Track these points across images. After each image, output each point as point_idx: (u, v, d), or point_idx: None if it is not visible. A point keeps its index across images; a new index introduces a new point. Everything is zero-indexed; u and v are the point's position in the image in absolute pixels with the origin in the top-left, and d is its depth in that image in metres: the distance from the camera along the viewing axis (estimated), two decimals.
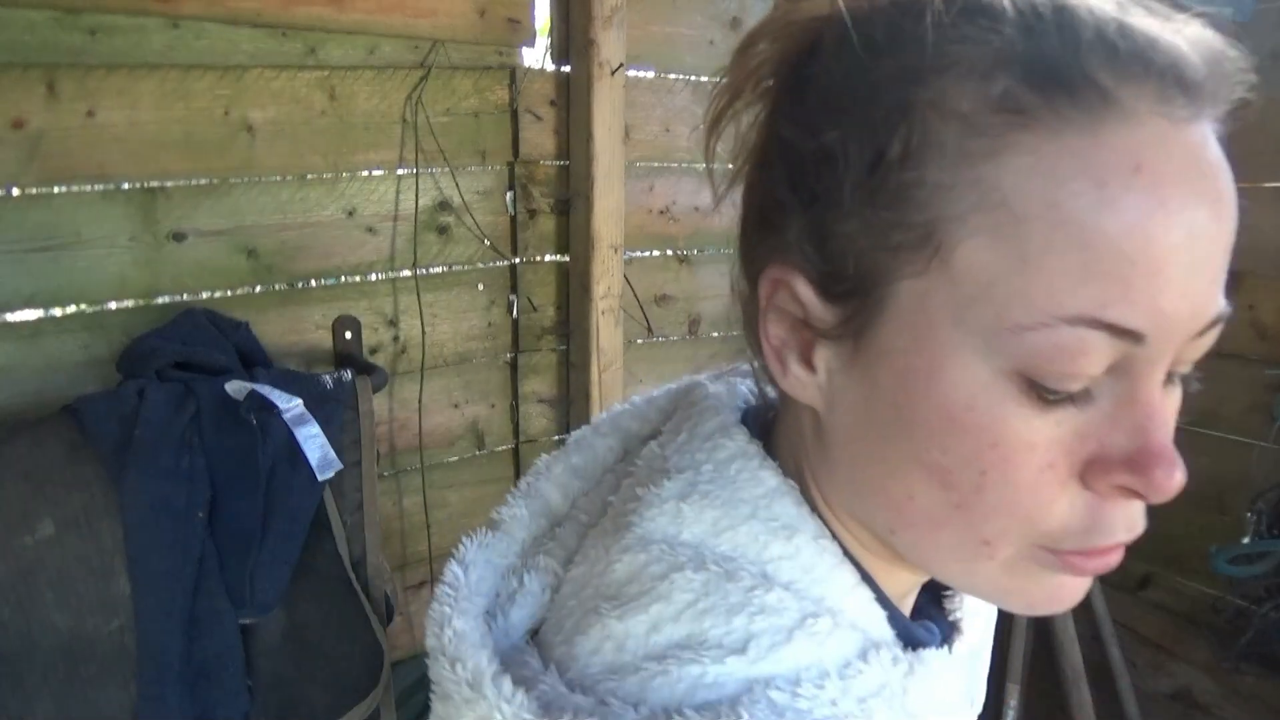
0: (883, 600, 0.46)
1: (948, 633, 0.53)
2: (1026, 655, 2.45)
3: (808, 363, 0.44)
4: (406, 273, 1.78)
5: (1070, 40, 0.36)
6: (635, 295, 2.01)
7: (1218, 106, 0.40)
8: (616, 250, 1.89)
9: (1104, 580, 2.41)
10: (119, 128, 1.47)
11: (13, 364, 1.43)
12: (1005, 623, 2.58)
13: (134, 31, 1.47)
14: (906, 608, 0.51)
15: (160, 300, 1.54)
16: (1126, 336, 0.36)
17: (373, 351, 1.76)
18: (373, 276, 1.75)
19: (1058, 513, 0.39)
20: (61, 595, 1.26)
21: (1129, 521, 0.40)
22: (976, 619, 0.56)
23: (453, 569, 0.50)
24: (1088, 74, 0.35)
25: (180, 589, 1.31)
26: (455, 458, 1.89)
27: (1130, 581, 2.45)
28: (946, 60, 0.37)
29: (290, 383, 1.43)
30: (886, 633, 0.45)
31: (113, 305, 1.51)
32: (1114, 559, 0.40)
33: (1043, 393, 0.37)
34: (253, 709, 1.39)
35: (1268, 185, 2.10)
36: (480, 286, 1.87)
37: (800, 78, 0.43)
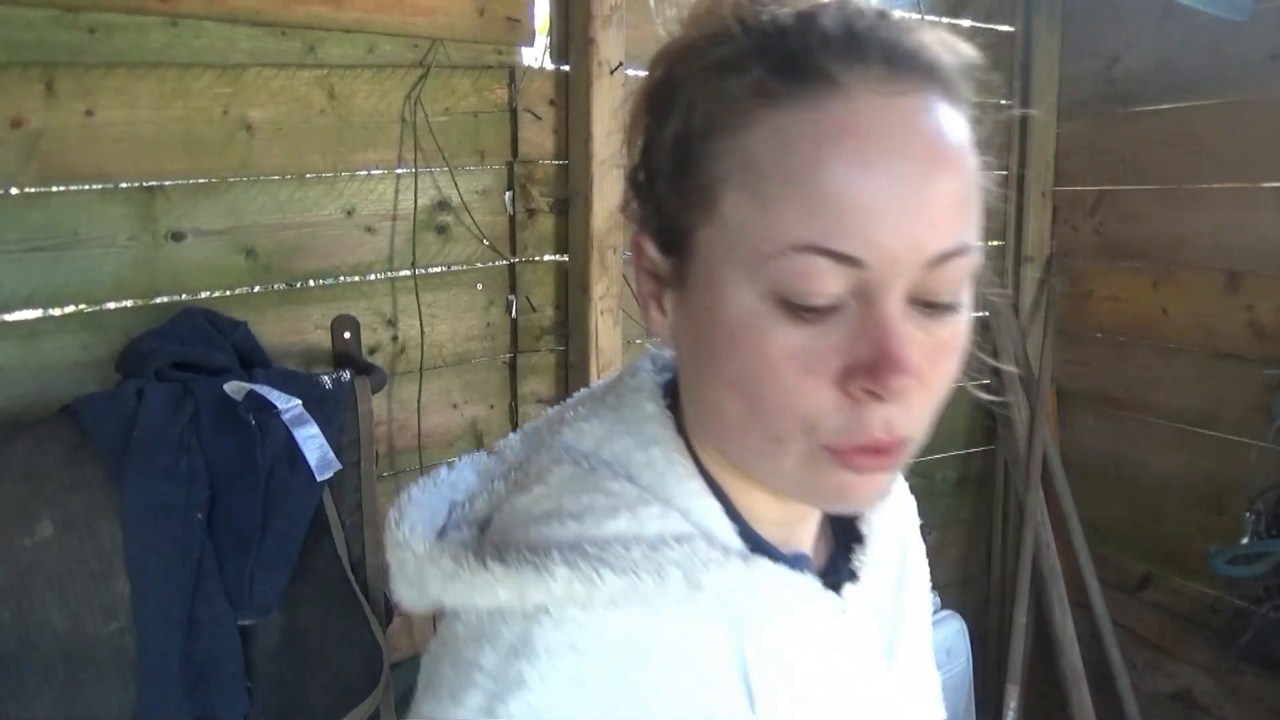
0: (734, 515, 0.55)
1: (842, 578, 0.62)
2: (1026, 655, 2.45)
3: (661, 308, 0.56)
4: (405, 272, 1.78)
5: (806, 40, 0.48)
6: (634, 295, 2.00)
7: (939, 87, 0.49)
8: (615, 250, 1.89)
9: (1104, 580, 2.41)
10: (118, 127, 1.47)
11: (12, 364, 1.43)
12: (1005, 624, 2.58)
13: (133, 30, 1.46)
14: (798, 539, 0.60)
15: (159, 300, 1.54)
16: (847, 261, 0.46)
17: (371, 351, 1.75)
18: (371, 276, 1.74)
19: (823, 411, 0.48)
20: (61, 596, 1.26)
21: (885, 423, 0.48)
22: (881, 572, 0.64)
23: (442, 467, 0.63)
24: (817, 64, 0.47)
25: (179, 590, 1.31)
26: (454, 458, 1.89)
27: (1130, 581, 2.45)
28: (715, 59, 0.49)
29: (289, 383, 1.42)
30: (734, 541, 0.54)
31: (111, 305, 1.51)
32: (884, 461, 0.49)
33: (795, 309, 0.47)
34: (252, 710, 1.39)
35: (1267, 185, 2.10)
36: (479, 286, 1.87)
37: (645, 89, 0.55)
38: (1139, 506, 2.41)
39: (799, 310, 0.47)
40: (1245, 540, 2.08)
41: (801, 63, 0.47)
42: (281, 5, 1.57)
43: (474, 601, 0.51)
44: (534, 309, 1.93)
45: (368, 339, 1.74)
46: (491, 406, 1.92)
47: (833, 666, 0.59)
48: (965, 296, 0.50)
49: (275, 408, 1.35)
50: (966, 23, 2.45)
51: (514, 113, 1.85)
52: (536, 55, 1.87)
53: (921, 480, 2.55)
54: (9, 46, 1.38)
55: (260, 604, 1.37)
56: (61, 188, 1.45)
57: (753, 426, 0.50)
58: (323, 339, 1.69)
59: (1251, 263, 2.14)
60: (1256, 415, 2.13)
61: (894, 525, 0.68)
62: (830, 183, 0.45)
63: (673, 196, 0.52)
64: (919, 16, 2.32)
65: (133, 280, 1.51)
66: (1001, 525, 2.68)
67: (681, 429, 0.57)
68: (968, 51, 0.53)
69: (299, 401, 1.38)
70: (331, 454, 1.40)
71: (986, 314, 2.59)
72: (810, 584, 0.57)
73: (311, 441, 1.37)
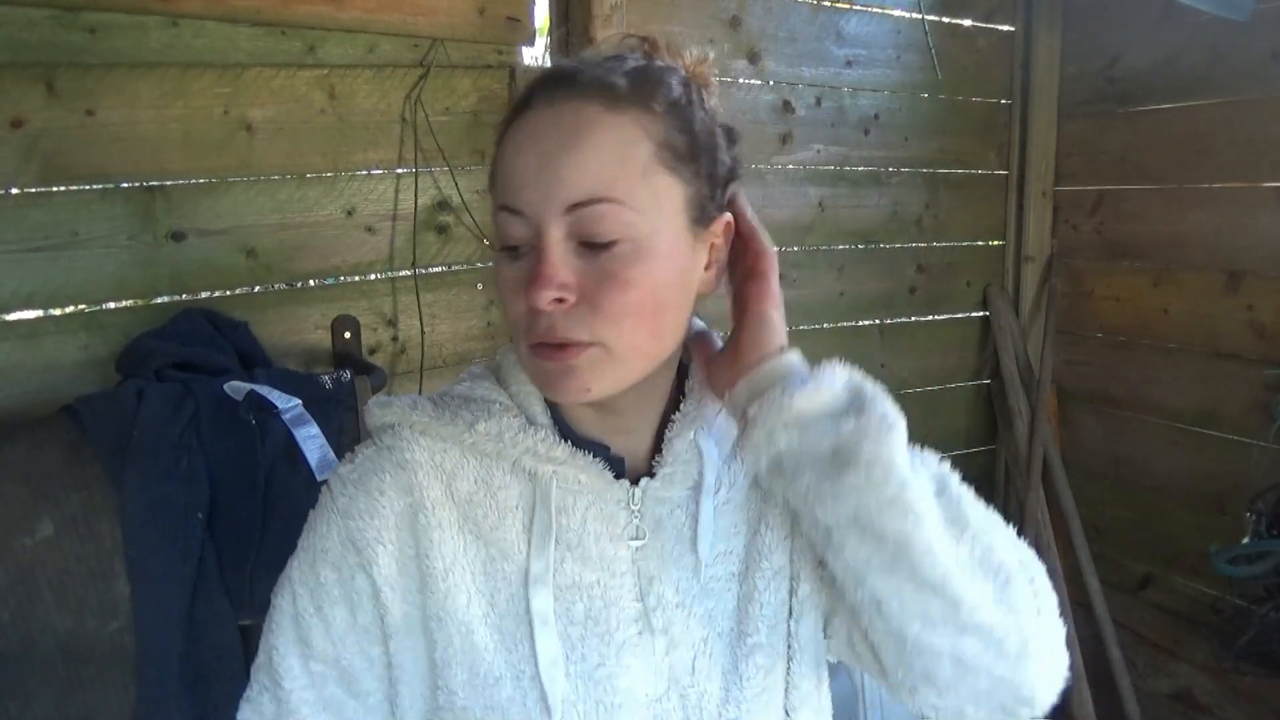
0: (555, 410, 0.75)
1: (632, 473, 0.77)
2: None
3: None
4: (406, 272, 1.78)
5: (531, 81, 0.71)
6: None
7: (591, 96, 0.67)
8: None
9: (1104, 580, 2.41)
10: (118, 127, 1.47)
11: (12, 364, 1.43)
12: None
13: (133, 30, 1.46)
14: (618, 445, 0.76)
15: (159, 300, 1.54)
16: (515, 212, 0.67)
17: (372, 351, 1.75)
18: (372, 276, 1.74)
19: (521, 319, 0.68)
20: (61, 596, 1.26)
21: (548, 326, 0.66)
22: (672, 485, 0.76)
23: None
24: (529, 94, 0.70)
25: (179, 590, 1.31)
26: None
27: (1130, 581, 2.45)
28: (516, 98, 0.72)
29: (289, 383, 1.42)
30: (544, 420, 0.75)
31: (111, 305, 1.51)
32: (565, 356, 0.67)
33: (507, 249, 0.69)
34: None
35: (1267, 185, 2.10)
36: (479, 286, 1.87)
37: None
38: (1139, 506, 2.41)
39: (508, 250, 0.69)
40: (1246, 540, 2.08)
41: (524, 95, 0.70)
42: (282, 5, 1.57)
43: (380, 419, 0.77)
44: None
45: (368, 339, 1.74)
46: None
47: (611, 545, 0.74)
48: (625, 235, 0.66)
49: (275, 408, 1.35)
50: (967, 23, 2.45)
51: None
52: (537, 55, 1.87)
53: None
54: (9, 46, 1.37)
55: (260, 604, 1.36)
56: (61, 188, 1.45)
57: (513, 336, 0.71)
58: (323, 339, 1.69)
59: (1252, 263, 2.14)
60: (1257, 415, 2.13)
61: (747, 493, 0.79)
62: (507, 164, 0.68)
63: None
64: (919, 16, 2.32)
65: (133, 280, 1.51)
66: None
67: None
68: (637, 69, 0.70)
69: (299, 401, 1.38)
70: (332, 454, 1.39)
71: (987, 313, 2.59)
72: (594, 464, 0.73)
73: (312, 441, 1.37)
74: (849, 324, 2.38)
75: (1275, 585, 2.04)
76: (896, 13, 2.32)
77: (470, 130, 1.81)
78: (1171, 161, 2.29)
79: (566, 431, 0.75)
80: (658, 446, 0.77)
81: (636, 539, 0.75)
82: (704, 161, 0.71)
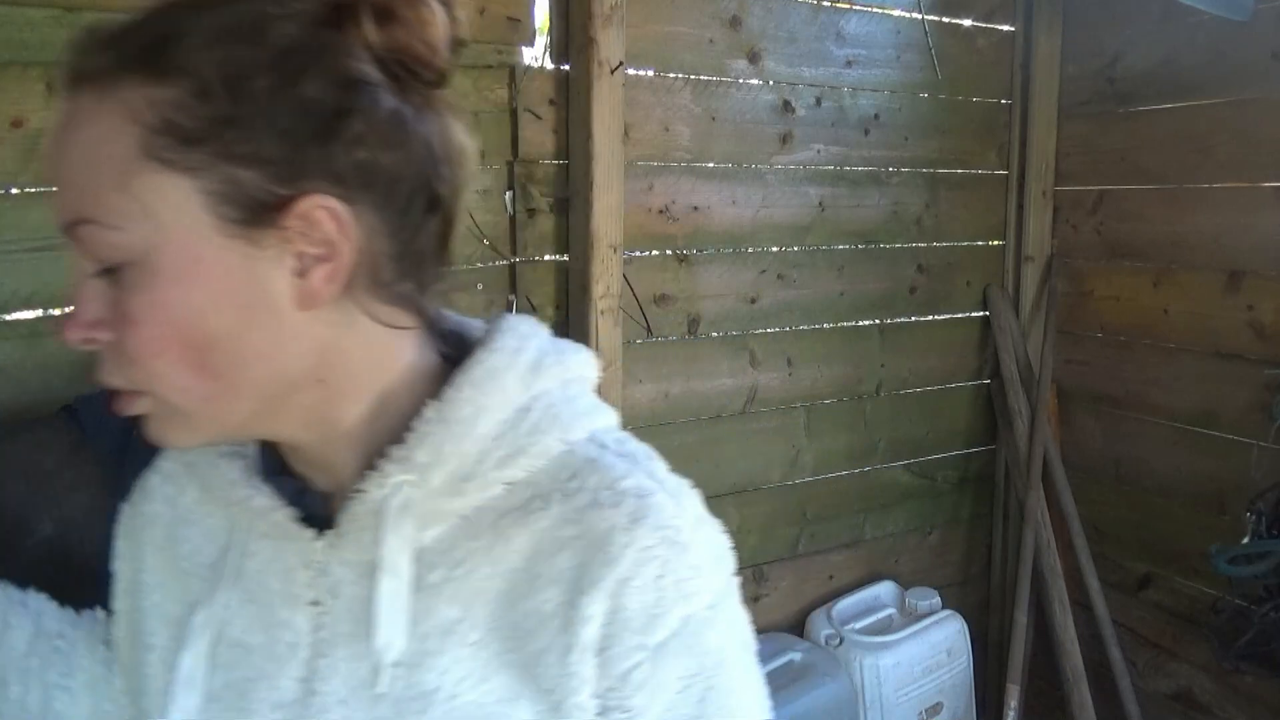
0: (269, 447, 0.65)
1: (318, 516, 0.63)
2: (1026, 655, 2.45)
3: None
4: None
5: None
6: (634, 295, 2.01)
7: (81, 78, 0.53)
8: (616, 250, 1.89)
9: (1104, 580, 2.41)
10: None
11: (12, 364, 1.43)
12: (1005, 624, 2.58)
13: None
14: (322, 480, 0.64)
15: None
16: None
17: None
18: None
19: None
20: (61, 596, 1.26)
21: (101, 371, 0.57)
22: (352, 547, 0.61)
23: None
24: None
25: None
26: None
27: (1130, 581, 2.45)
28: None
29: None
30: (251, 449, 0.66)
31: None
32: (124, 403, 0.57)
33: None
34: None
35: (1268, 185, 2.10)
36: (479, 286, 1.87)
37: None
38: (1139, 506, 2.41)
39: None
40: (1246, 540, 2.08)
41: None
42: None
43: None
44: (534, 309, 1.93)
45: None
46: None
47: (285, 607, 0.62)
48: (121, 260, 0.53)
49: None
50: (967, 22, 2.45)
51: (514, 112, 1.85)
52: (536, 55, 1.87)
53: (922, 480, 2.55)
54: (9, 46, 1.37)
55: None
56: None
57: None
58: None
59: (1252, 262, 2.14)
60: (1257, 415, 2.13)
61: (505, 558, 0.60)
62: None
63: None
64: (919, 16, 2.32)
65: None
66: (1001, 525, 2.68)
67: None
68: (166, 19, 0.53)
69: None
70: None
71: (987, 313, 2.59)
72: (274, 509, 0.62)
73: None
74: (849, 324, 2.38)
75: (1275, 585, 2.04)
76: (896, 13, 2.32)
77: (470, 130, 1.80)
78: (1171, 161, 2.29)
79: (271, 461, 0.65)
80: None
81: (317, 604, 0.61)
82: (257, 130, 0.52)
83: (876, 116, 2.33)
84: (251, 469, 0.64)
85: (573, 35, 1.85)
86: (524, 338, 0.63)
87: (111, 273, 0.53)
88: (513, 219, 1.89)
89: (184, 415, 0.57)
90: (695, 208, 2.09)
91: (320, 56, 0.53)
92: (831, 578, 2.45)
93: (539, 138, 1.88)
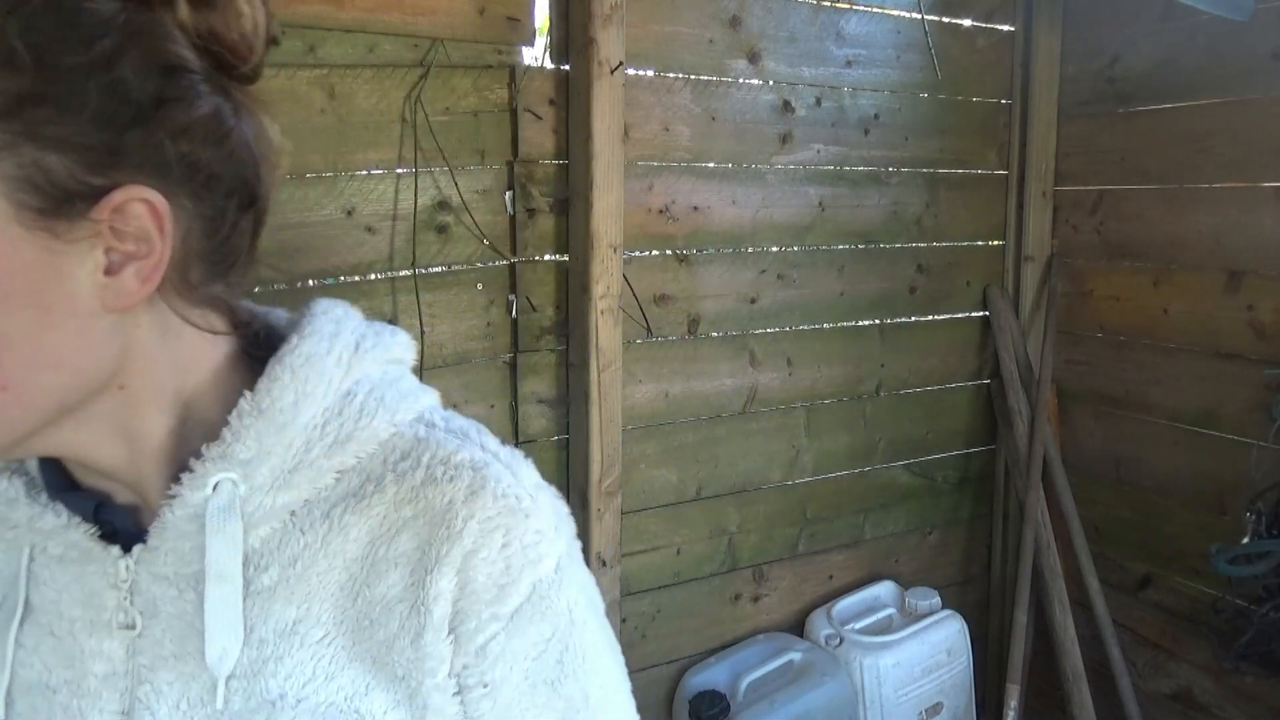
0: (53, 461, 0.58)
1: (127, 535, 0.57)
2: (1026, 655, 2.45)
3: None
4: (405, 272, 1.78)
5: None
6: (634, 295, 2.00)
7: None
8: (616, 250, 1.89)
9: (1104, 580, 2.41)
10: None
11: None
12: (1005, 624, 2.58)
13: None
14: (128, 495, 0.58)
15: None
16: None
17: None
18: (372, 276, 1.74)
19: None
20: None
21: None
22: (168, 561, 0.56)
23: None
24: None
25: None
26: None
27: (1130, 581, 2.45)
28: None
29: None
30: (33, 468, 0.59)
31: None
32: None
33: None
34: None
35: (1268, 185, 2.10)
36: (479, 286, 1.87)
37: None
38: (1139, 506, 2.41)
39: None
40: (1246, 540, 2.08)
41: None
42: (282, 4, 1.56)
43: None
44: (534, 309, 1.93)
45: None
46: (492, 406, 1.92)
47: (91, 635, 0.56)
48: None
49: None
50: (967, 22, 2.45)
51: (514, 112, 1.85)
52: (536, 55, 1.87)
53: (922, 480, 2.55)
54: None
55: None
56: None
57: None
58: None
59: (1252, 262, 2.14)
60: (1257, 415, 2.13)
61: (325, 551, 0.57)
62: None
63: None
64: (919, 16, 2.32)
65: None
66: (1001, 525, 2.68)
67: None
68: None
69: None
70: None
71: (987, 313, 2.59)
72: (68, 528, 0.56)
73: None
74: (849, 324, 2.38)
75: (1275, 585, 2.04)
76: (896, 13, 2.32)
77: (470, 130, 1.81)
78: (1171, 161, 2.29)
79: (58, 476, 0.59)
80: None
81: (131, 628, 0.56)
82: (69, 110, 0.47)
83: (876, 116, 2.33)
84: (36, 485, 0.57)
85: (573, 35, 1.85)
86: (338, 321, 0.60)
87: None
88: (513, 219, 1.89)
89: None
90: (695, 208, 2.09)
91: (138, 37, 0.49)
92: (831, 578, 2.45)
93: (539, 138, 1.88)
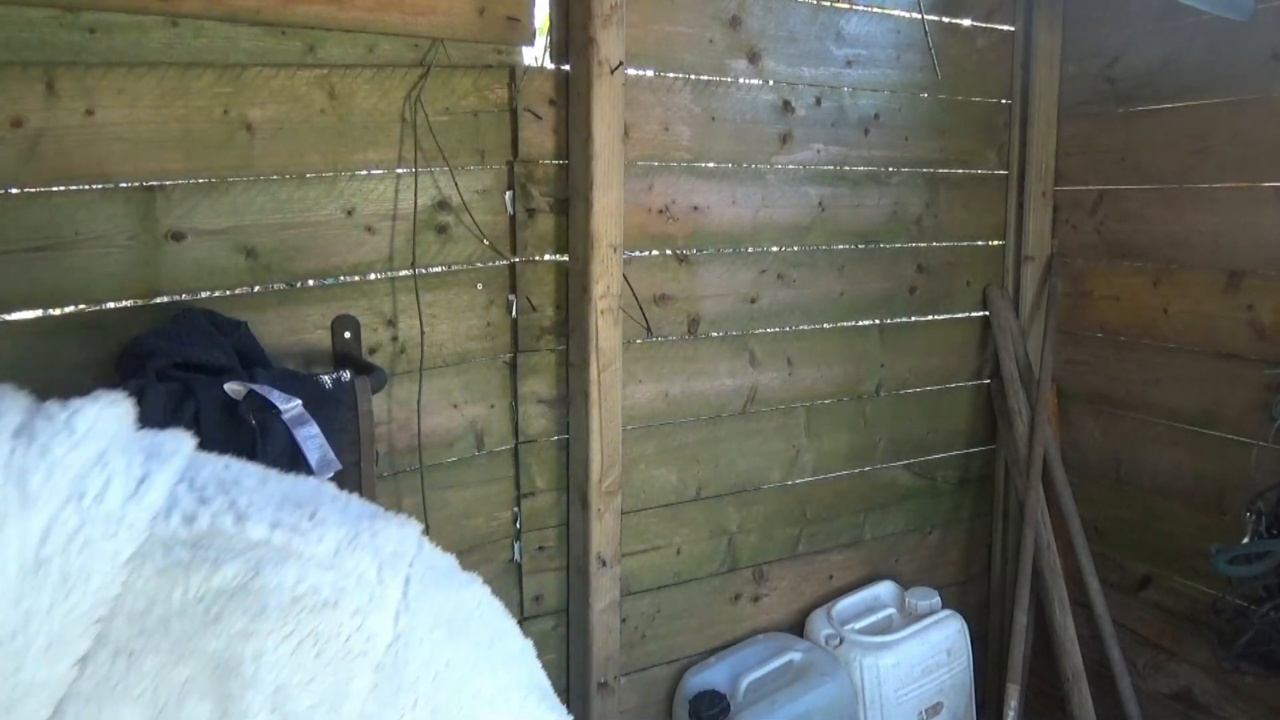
0: None
1: None
2: (1026, 655, 2.45)
3: None
4: (405, 272, 1.78)
5: None
6: (634, 295, 2.01)
7: None
8: (616, 250, 1.89)
9: (1104, 580, 2.41)
10: (118, 126, 1.47)
11: (12, 364, 1.43)
12: (1005, 624, 2.58)
13: (133, 29, 1.46)
14: None
15: (159, 300, 1.53)
16: None
17: (371, 351, 1.75)
18: (371, 276, 1.74)
19: None
20: None
21: None
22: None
23: None
24: None
25: None
26: (454, 458, 1.89)
27: (1130, 581, 2.45)
28: None
29: (289, 383, 1.42)
30: None
31: (111, 305, 1.50)
32: None
33: None
34: None
35: (1268, 185, 2.10)
36: (479, 286, 1.87)
37: None
38: (1139, 506, 2.41)
39: None
40: (1246, 540, 2.08)
41: None
42: (281, 5, 1.56)
43: None
44: (534, 309, 1.93)
45: (368, 339, 1.74)
46: (491, 406, 1.92)
47: None
48: None
49: (275, 408, 1.35)
50: (967, 22, 2.45)
51: (514, 112, 1.85)
52: (536, 55, 1.87)
53: (922, 480, 2.55)
54: (9, 46, 1.37)
55: None
56: (61, 188, 1.45)
57: None
58: (323, 339, 1.69)
59: (1252, 262, 2.14)
60: (1256, 415, 2.13)
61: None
62: None
63: None
64: (919, 16, 2.32)
65: (133, 280, 1.51)
66: (1001, 525, 2.68)
67: None
68: None
69: (299, 401, 1.38)
70: (332, 454, 1.39)
71: (987, 313, 2.59)
72: None
73: (312, 441, 1.37)
74: (849, 324, 2.38)
75: (1275, 585, 2.04)
76: (896, 13, 2.32)
77: (470, 130, 1.80)
78: (1171, 161, 2.29)
79: None
80: None
81: None
82: None
83: (876, 116, 2.33)
84: None
85: (573, 35, 1.85)
86: None
87: None
88: (513, 219, 1.89)
89: None
90: (695, 208, 2.09)
91: None
92: (831, 578, 2.45)
93: (539, 138, 1.88)
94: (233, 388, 1.36)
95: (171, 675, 0.45)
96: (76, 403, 0.51)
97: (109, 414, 0.52)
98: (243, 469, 0.53)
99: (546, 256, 1.94)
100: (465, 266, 1.85)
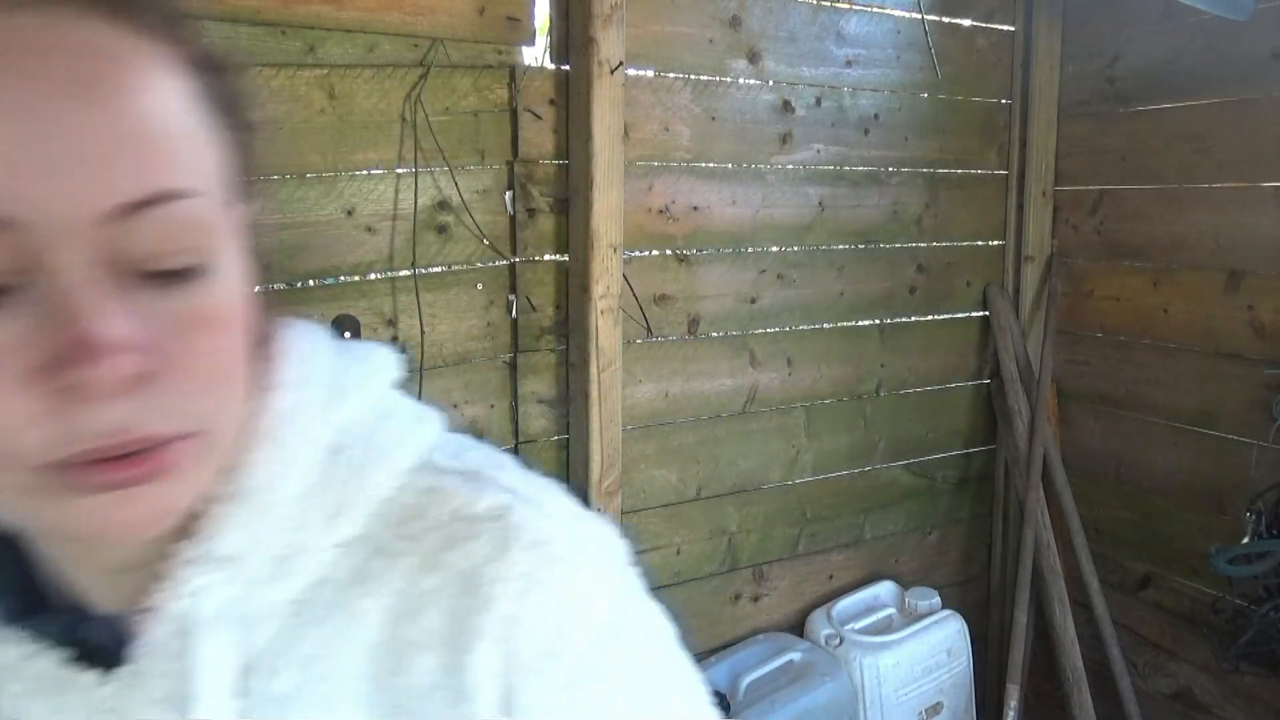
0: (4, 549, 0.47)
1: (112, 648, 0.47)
2: (1026, 655, 2.45)
3: None
4: (405, 272, 1.78)
5: None
6: (634, 295, 2.00)
7: (85, 2, 0.39)
8: (615, 250, 1.89)
9: (1104, 580, 2.41)
10: None
11: None
12: (1005, 624, 2.58)
13: None
14: (118, 591, 0.47)
15: None
16: None
17: None
18: (372, 276, 1.74)
19: (20, 427, 0.37)
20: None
21: (118, 422, 0.38)
22: (167, 665, 0.46)
23: None
24: None
25: None
26: None
27: (1130, 581, 2.45)
28: None
29: None
30: None
31: None
32: (144, 468, 0.39)
33: None
34: None
35: (1268, 185, 2.10)
36: (479, 286, 1.87)
37: None
38: (1139, 506, 2.41)
39: None
40: (1246, 540, 2.08)
41: None
42: (281, 5, 1.56)
43: None
44: (534, 309, 1.93)
45: (368, 339, 1.74)
46: (492, 406, 1.92)
47: None
48: (215, 255, 0.41)
49: None
50: (967, 22, 2.45)
51: (514, 112, 1.85)
52: (536, 55, 1.87)
53: (921, 480, 2.55)
54: None
55: None
56: None
57: None
58: None
59: (1252, 262, 2.14)
60: (1257, 415, 2.13)
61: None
62: None
63: None
64: (919, 16, 2.32)
65: None
66: (1001, 525, 2.68)
67: None
68: None
69: None
70: None
71: (987, 313, 2.59)
72: (36, 654, 0.46)
73: None
74: (849, 324, 2.38)
75: (1275, 585, 2.04)
76: (896, 13, 2.32)
77: (470, 130, 1.80)
78: (1171, 161, 2.29)
79: (17, 582, 0.48)
80: None
81: None
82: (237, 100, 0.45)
83: (876, 116, 2.33)
84: None
85: (573, 35, 1.85)
86: (307, 358, 0.51)
87: (162, 277, 0.40)
88: (513, 219, 1.89)
89: (212, 463, 0.44)
90: (695, 208, 2.09)
91: None
92: (831, 578, 2.45)
93: (539, 138, 1.88)
94: None
95: (419, 582, 0.48)
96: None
97: (391, 358, 0.56)
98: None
99: (546, 256, 1.94)
100: (465, 266, 1.85)
